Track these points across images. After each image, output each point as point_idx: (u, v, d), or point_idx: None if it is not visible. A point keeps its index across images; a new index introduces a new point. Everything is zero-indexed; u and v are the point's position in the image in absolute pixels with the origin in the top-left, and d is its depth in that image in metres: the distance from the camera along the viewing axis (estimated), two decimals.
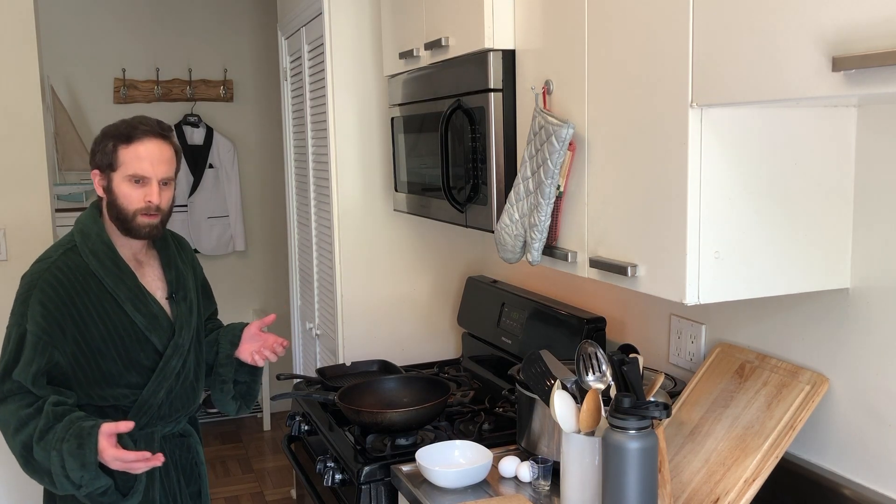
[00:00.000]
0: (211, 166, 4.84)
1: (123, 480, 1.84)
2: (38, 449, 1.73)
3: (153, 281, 1.95)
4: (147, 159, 1.82)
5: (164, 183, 1.86)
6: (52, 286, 1.80)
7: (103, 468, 1.76)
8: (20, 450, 1.75)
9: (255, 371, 2.12)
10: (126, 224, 1.85)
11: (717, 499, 1.51)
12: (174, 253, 2.02)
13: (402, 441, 2.01)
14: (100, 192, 1.89)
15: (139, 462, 1.73)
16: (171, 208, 1.93)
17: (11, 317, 1.82)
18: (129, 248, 1.91)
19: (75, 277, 1.82)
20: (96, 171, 1.88)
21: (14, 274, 3.04)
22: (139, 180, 1.83)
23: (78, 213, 4.61)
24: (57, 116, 4.51)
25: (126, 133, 1.83)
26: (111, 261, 1.86)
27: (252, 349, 2.07)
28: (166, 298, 1.95)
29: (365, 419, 2.03)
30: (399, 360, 2.81)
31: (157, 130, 1.86)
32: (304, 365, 3.48)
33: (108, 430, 1.73)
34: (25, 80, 2.98)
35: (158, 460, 1.74)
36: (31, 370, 1.76)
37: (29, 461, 1.76)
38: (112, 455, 1.72)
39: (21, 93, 2.99)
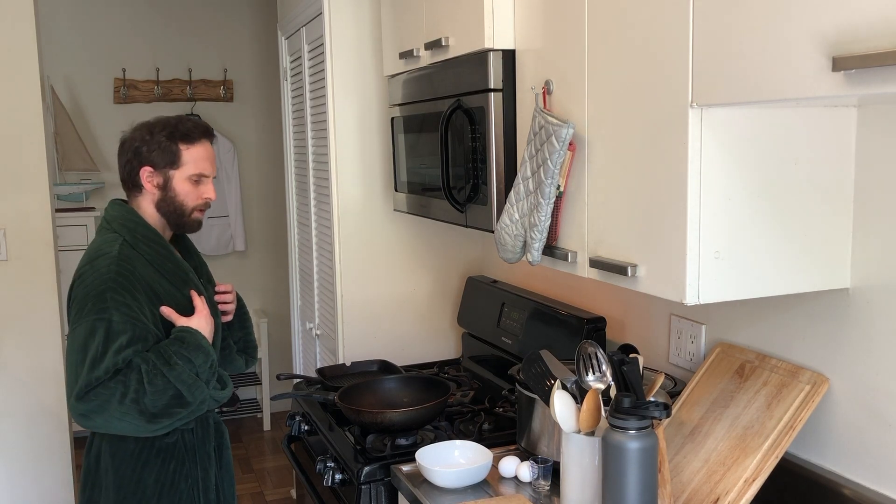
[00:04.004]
0: None
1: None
2: (157, 384, 1.75)
3: None
4: (208, 159, 1.96)
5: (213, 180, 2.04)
6: (125, 277, 1.82)
7: None
8: (135, 408, 1.74)
9: (244, 325, 2.21)
10: (180, 219, 1.96)
11: (717, 499, 1.51)
12: (190, 242, 2.13)
13: (402, 441, 2.01)
14: (149, 188, 1.93)
15: (205, 306, 1.90)
16: None
17: (87, 314, 1.78)
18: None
19: (140, 267, 1.87)
20: (148, 168, 1.91)
21: (14, 274, 3.04)
22: (199, 179, 1.94)
23: (78, 213, 4.64)
24: (57, 116, 4.51)
25: (187, 133, 1.93)
26: (163, 248, 1.93)
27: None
28: None
29: (365, 419, 2.03)
30: (399, 360, 2.81)
31: (210, 131, 2.00)
32: (304, 365, 3.49)
33: (176, 314, 1.86)
34: (25, 80, 2.98)
35: (203, 300, 1.92)
36: (126, 353, 1.76)
37: (147, 411, 1.75)
38: (197, 319, 1.87)
39: (21, 93, 2.98)
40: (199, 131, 1.94)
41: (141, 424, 1.77)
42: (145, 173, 1.92)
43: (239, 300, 2.21)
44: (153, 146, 1.91)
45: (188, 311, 1.90)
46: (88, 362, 1.74)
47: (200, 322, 1.87)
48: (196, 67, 4.86)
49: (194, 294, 1.92)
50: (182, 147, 1.91)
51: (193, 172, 1.93)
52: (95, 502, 1.92)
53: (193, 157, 1.92)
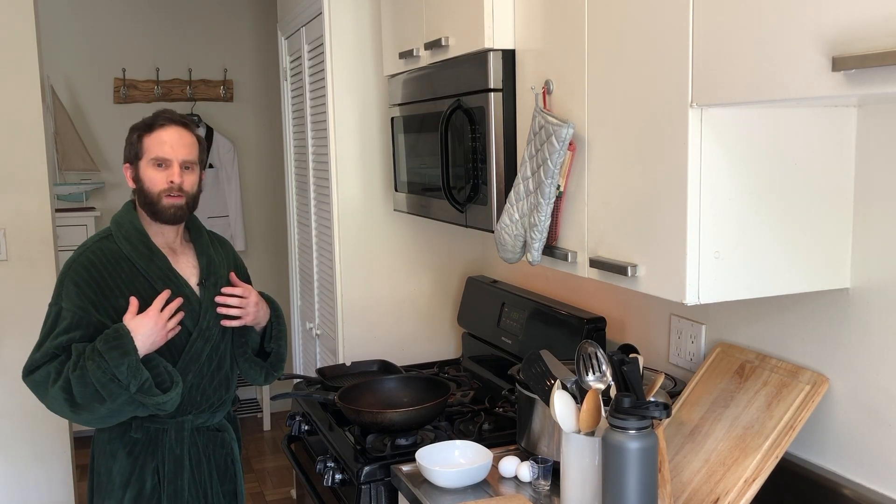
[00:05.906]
0: (211, 166, 4.84)
1: (156, 376, 1.88)
2: (76, 375, 1.80)
3: (187, 268, 2.03)
4: (168, 143, 1.93)
5: (185, 167, 1.95)
6: (84, 267, 1.90)
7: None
8: (62, 395, 1.81)
9: (278, 337, 2.15)
10: (153, 207, 1.94)
11: (717, 499, 1.51)
12: (207, 242, 2.11)
13: (402, 441, 2.01)
14: (130, 183, 1.98)
15: (166, 310, 1.87)
16: (198, 194, 2.02)
17: (52, 299, 1.92)
18: (162, 237, 2.00)
19: (108, 260, 1.92)
20: (126, 165, 1.99)
21: (14, 274, 3.04)
22: (161, 163, 1.93)
23: (78, 213, 4.65)
24: (57, 116, 4.52)
25: (148, 123, 1.95)
26: (143, 244, 1.95)
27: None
28: (197, 284, 2.02)
29: (365, 419, 2.03)
30: (399, 360, 2.81)
31: (177, 118, 1.97)
32: (304, 365, 3.49)
33: (133, 309, 1.87)
34: (25, 80, 2.99)
35: (177, 301, 1.91)
36: (61, 340, 1.85)
37: (73, 399, 1.82)
38: (141, 318, 1.85)
39: (21, 93, 2.99)
40: (163, 118, 1.95)
41: (66, 411, 1.83)
42: (126, 171, 1.99)
43: (277, 311, 2.16)
44: (126, 144, 1.98)
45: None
46: (37, 344, 1.88)
47: (141, 321, 1.85)
48: (196, 67, 4.86)
49: (164, 293, 1.90)
50: (144, 136, 1.94)
51: (152, 157, 1.92)
52: (93, 486, 2.05)
53: (152, 143, 1.93)
